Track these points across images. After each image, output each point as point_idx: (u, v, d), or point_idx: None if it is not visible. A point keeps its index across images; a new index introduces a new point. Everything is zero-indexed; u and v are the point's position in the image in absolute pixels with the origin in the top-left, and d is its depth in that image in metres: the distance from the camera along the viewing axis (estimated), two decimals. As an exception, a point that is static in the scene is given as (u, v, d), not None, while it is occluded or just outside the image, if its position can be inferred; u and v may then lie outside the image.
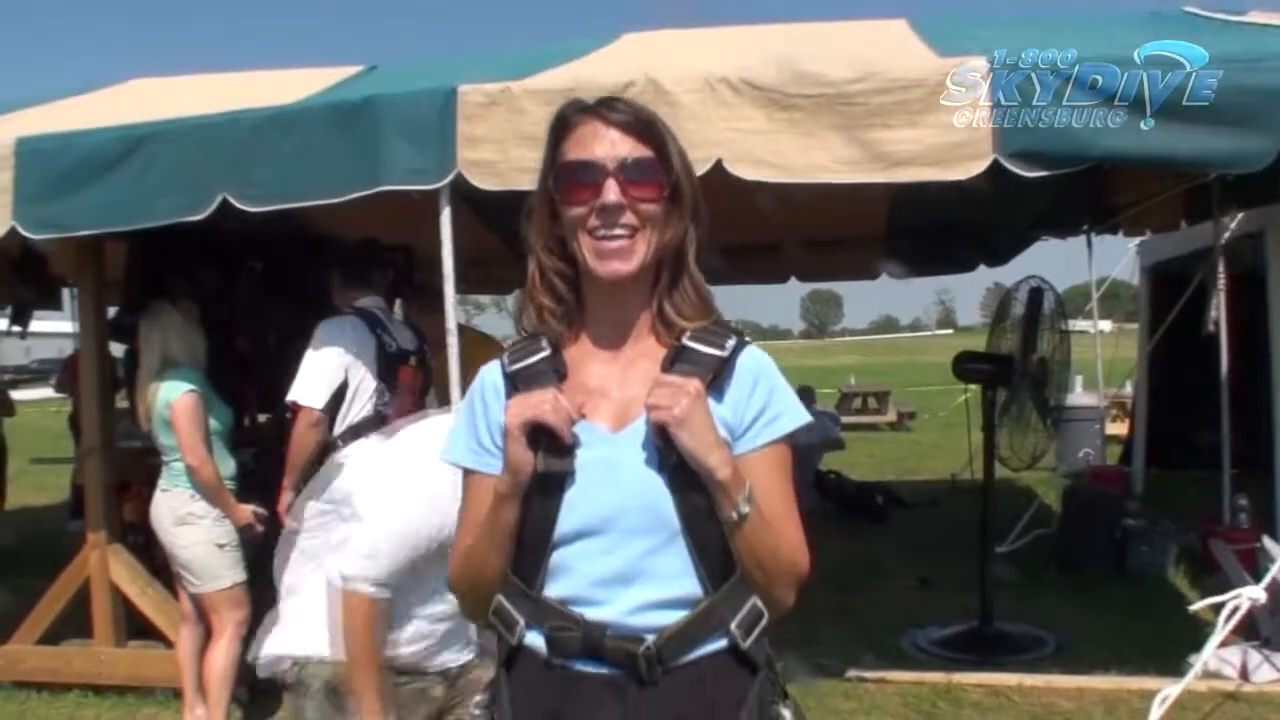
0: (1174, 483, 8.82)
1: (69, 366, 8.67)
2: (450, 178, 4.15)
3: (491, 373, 1.67)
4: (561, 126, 1.60)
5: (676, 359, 1.57)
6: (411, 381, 4.57)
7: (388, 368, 4.43)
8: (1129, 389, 11.65)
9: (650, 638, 1.51)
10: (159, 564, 4.92)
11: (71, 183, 4.39)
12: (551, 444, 1.50)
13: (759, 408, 1.58)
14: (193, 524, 4.44)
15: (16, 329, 7.83)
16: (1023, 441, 5.82)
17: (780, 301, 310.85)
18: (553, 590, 1.55)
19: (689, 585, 1.53)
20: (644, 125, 1.56)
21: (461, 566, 1.64)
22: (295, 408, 4.33)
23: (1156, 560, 6.85)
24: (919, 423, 19.25)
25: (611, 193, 1.51)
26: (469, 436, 1.65)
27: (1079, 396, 10.99)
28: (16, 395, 10.66)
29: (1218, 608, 4.44)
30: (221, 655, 4.43)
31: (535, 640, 1.55)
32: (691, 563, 1.52)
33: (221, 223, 4.49)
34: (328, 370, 4.29)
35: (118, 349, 5.94)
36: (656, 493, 1.51)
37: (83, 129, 4.56)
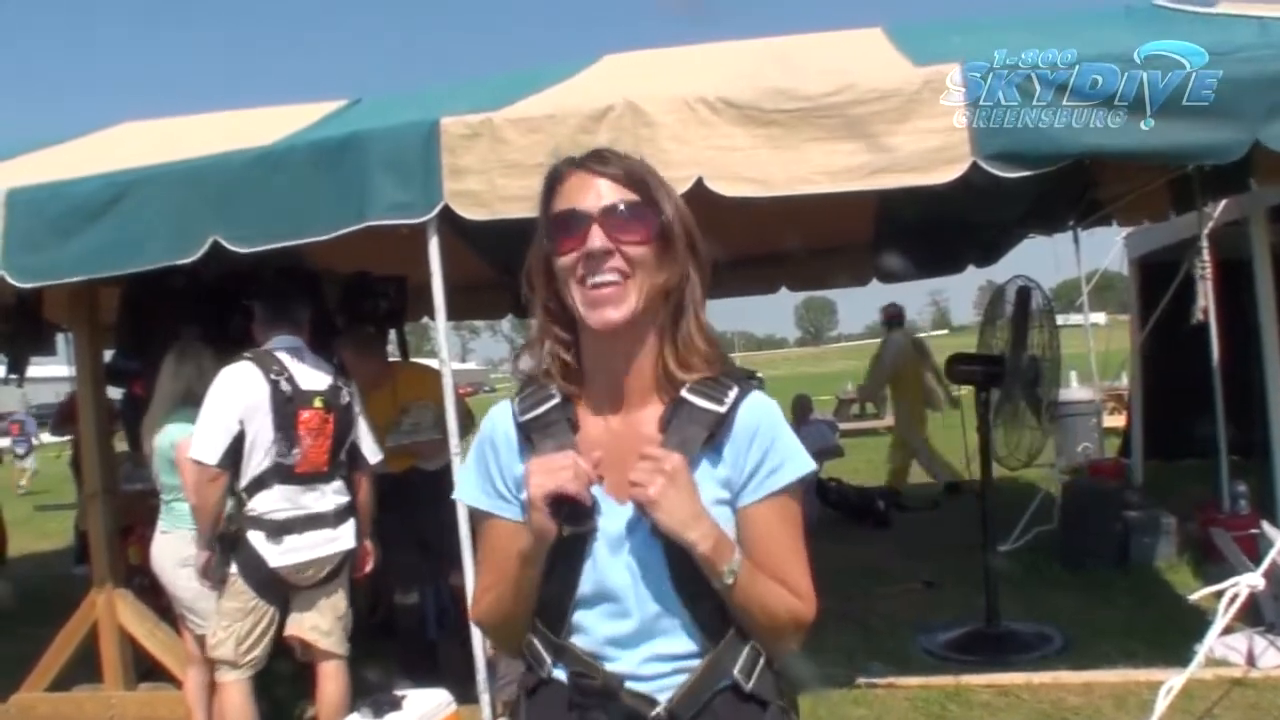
0: (1173, 473, 8.83)
1: (63, 409, 8.67)
2: (437, 210, 4.20)
3: (503, 420, 1.67)
4: (552, 182, 1.61)
5: (674, 415, 1.57)
6: (318, 425, 4.24)
7: (285, 414, 4.13)
8: (1124, 381, 11.63)
9: (663, 698, 1.56)
10: (165, 605, 4.93)
11: (61, 230, 4.43)
12: (573, 511, 1.52)
13: (758, 460, 1.58)
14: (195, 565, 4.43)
15: (14, 377, 7.83)
16: (1018, 440, 5.85)
17: (775, 310, 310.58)
18: (574, 643, 1.61)
19: (693, 643, 1.59)
20: (630, 173, 1.58)
21: (488, 611, 1.69)
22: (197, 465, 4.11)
23: (1159, 551, 6.87)
24: (919, 425, 19.16)
25: (597, 238, 1.52)
26: (481, 480, 1.68)
27: (1075, 391, 11.01)
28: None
29: (1221, 595, 4.43)
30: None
31: (562, 676, 1.62)
32: (694, 623, 1.58)
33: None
34: (221, 422, 4.05)
35: (114, 392, 5.96)
36: (658, 565, 1.56)
37: (72, 178, 4.60)
